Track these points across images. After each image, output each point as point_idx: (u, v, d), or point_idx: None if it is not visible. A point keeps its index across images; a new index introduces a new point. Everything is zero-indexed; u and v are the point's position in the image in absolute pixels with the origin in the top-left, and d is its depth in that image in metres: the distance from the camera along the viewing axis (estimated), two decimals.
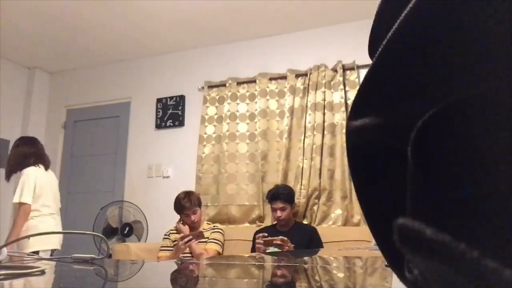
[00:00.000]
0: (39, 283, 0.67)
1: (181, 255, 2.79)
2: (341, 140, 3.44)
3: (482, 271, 0.15)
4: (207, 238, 2.90)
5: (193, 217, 2.93)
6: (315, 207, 3.40)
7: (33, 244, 2.91)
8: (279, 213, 2.94)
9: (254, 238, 2.95)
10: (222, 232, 3.02)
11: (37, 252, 2.76)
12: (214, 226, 3.05)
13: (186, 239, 2.68)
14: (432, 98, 0.18)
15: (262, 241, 2.66)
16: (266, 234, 2.72)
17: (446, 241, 0.16)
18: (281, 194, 2.97)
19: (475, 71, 0.17)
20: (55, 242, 3.12)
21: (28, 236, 2.71)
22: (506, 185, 0.15)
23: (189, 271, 0.89)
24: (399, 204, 0.19)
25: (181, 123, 4.14)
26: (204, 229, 2.96)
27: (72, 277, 0.80)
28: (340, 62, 3.60)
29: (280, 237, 2.67)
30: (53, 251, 3.10)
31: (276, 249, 2.64)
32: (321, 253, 1.83)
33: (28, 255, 1.32)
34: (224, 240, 3.05)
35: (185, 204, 2.94)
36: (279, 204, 2.94)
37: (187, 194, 3.02)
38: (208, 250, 2.83)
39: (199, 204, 3.03)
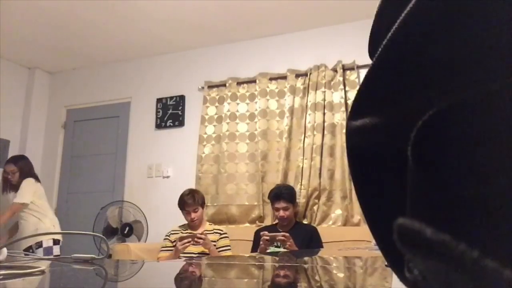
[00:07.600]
0: (39, 283, 0.67)
1: (181, 255, 2.79)
2: (341, 140, 3.44)
3: (482, 271, 0.15)
4: (214, 242, 2.88)
5: (193, 215, 2.94)
6: (315, 207, 3.40)
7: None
8: (282, 213, 2.92)
9: (255, 238, 2.95)
10: (228, 235, 3.02)
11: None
12: (217, 230, 3.03)
13: (185, 241, 2.68)
14: (432, 98, 0.18)
15: (267, 239, 2.63)
16: (267, 232, 2.71)
17: (446, 241, 0.16)
18: (284, 194, 2.95)
19: (475, 71, 0.17)
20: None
21: (27, 237, 2.71)
22: (506, 185, 0.15)
23: (190, 272, 0.89)
24: (399, 204, 0.19)
25: (181, 123, 4.14)
26: (206, 230, 2.95)
27: (72, 277, 0.80)
28: (340, 62, 3.60)
29: (283, 233, 2.66)
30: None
31: (276, 249, 2.64)
32: (321, 253, 1.83)
33: (25, 254, 1.32)
34: None
35: (188, 200, 2.96)
36: (282, 204, 2.93)
37: (192, 192, 3.05)
38: None
39: (202, 204, 3.03)
